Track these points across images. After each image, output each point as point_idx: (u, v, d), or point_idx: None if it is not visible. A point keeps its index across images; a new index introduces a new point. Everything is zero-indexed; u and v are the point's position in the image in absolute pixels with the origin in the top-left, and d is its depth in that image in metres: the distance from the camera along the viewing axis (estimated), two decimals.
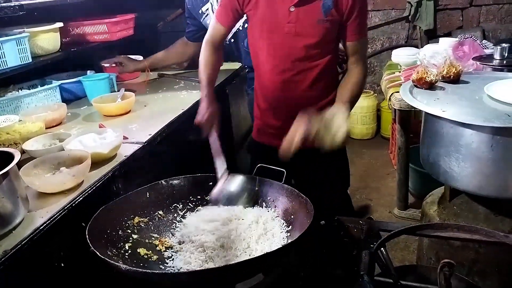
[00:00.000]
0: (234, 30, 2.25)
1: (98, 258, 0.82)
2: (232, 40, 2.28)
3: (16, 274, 0.94)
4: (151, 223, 1.09)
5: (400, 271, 1.04)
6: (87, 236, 0.87)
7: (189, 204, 1.16)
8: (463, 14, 3.67)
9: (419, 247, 1.77)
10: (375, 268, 0.97)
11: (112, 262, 0.81)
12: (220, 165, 1.19)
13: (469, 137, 1.29)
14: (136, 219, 1.08)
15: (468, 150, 1.31)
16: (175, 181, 1.17)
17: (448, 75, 1.57)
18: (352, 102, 1.39)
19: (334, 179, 1.67)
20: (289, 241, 0.93)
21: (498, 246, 1.09)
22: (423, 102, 1.41)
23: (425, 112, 1.42)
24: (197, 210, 1.14)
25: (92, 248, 0.83)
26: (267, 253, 0.83)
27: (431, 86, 1.53)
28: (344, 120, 1.21)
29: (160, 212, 1.13)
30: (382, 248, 1.03)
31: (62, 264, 1.06)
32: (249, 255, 0.93)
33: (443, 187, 1.68)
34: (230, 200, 1.10)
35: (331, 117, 1.21)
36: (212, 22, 1.53)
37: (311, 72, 1.45)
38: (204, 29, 2.19)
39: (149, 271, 0.83)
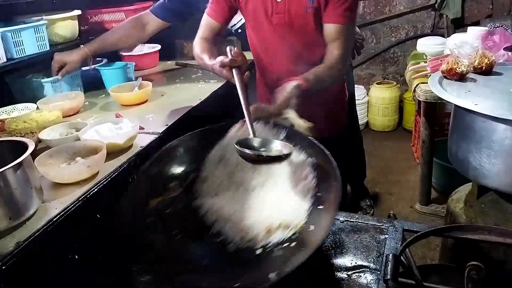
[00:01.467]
0: (243, 20, 2.18)
1: None
2: (240, 30, 2.21)
3: (29, 265, 0.92)
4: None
5: (423, 270, 0.99)
6: None
7: None
8: (493, 1, 3.50)
9: (442, 245, 1.70)
10: (399, 271, 0.92)
11: None
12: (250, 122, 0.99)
13: (503, 132, 1.20)
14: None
15: (500, 146, 1.23)
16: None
17: (480, 66, 1.48)
18: (314, 84, 1.21)
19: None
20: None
21: None
22: (453, 95, 1.33)
23: (455, 105, 1.34)
24: None
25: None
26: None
27: (461, 77, 1.45)
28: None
29: None
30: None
31: (76, 256, 1.04)
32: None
33: (470, 183, 1.60)
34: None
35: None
36: (204, 19, 1.47)
37: (309, 66, 1.37)
38: (183, 14, 2.03)
39: None
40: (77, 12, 1.99)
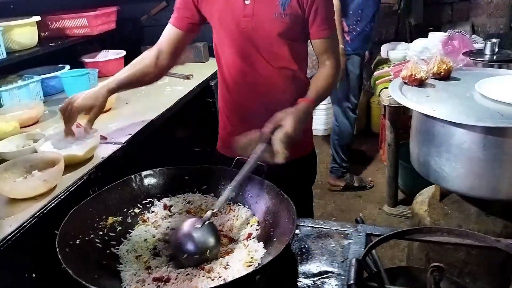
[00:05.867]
0: None
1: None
2: None
3: None
4: (126, 222, 1.00)
5: (390, 273, 1.00)
6: (57, 249, 0.81)
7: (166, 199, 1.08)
8: (452, 8, 3.65)
9: (409, 247, 1.74)
10: (363, 275, 0.93)
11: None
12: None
13: (461, 136, 1.25)
14: (110, 219, 0.99)
15: (459, 150, 1.27)
16: (148, 174, 1.09)
17: (438, 71, 1.53)
18: (319, 99, 1.28)
19: (301, 178, 1.52)
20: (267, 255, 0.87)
21: (490, 250, 1.07)
22: (413, 100, 1.37)
23: (415, 111, 1.37)
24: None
25: (64, 266, 0.76)
26: (241, 277, 0.76)
27: (421, 83, 1.49)
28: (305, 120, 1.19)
29: (136, 210, 1.04)
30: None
31: (34, 275, 1.00)
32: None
33: (434, 185, 1.64)
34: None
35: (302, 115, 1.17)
36: (168, 27, 1.36)
37: (276, 76, 1.32)
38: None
39: None
40: (36, 18, 1.92)
